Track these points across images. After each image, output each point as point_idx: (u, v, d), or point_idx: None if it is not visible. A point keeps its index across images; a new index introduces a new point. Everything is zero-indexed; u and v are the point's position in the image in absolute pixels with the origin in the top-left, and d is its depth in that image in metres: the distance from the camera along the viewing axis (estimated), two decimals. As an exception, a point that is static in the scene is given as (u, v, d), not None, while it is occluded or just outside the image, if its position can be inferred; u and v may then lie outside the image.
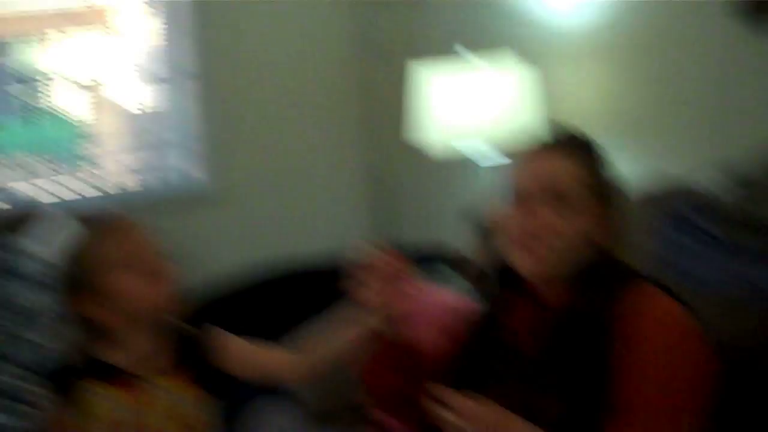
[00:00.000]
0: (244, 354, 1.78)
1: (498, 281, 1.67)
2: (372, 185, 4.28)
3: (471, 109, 2.88)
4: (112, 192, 3.66)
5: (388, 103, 4.10)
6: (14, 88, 3.77)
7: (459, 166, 3.20)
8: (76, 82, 3.81)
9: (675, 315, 1.46)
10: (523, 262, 1.54)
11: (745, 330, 1.88)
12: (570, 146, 1.56)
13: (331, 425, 2.42)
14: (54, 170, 3.72)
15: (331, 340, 1.73)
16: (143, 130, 3.87)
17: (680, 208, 2.15)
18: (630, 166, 2.77)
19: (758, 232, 1.96)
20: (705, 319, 1.81)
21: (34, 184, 3.58)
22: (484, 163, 3.00)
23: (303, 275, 3.98)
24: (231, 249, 3.90)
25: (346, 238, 4.06)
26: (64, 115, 3.86)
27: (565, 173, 1.52)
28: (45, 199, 3.42)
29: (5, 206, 3.07)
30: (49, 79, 3.77)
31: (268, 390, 2.84)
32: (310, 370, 1.78)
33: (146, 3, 3.74)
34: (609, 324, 1.45)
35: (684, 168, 2.46)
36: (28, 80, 3.77)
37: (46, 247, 2.41)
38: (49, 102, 3.82)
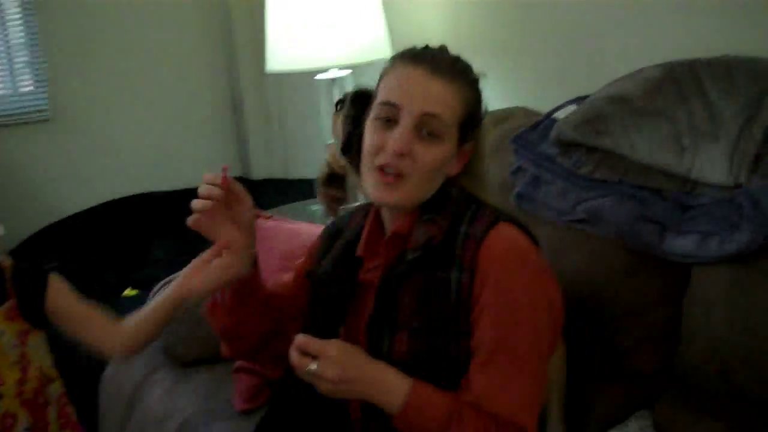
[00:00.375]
0: (70, 313, 1.75)
1: (352, 211, 1.66)
2: (231, 114, 4.26)
3: (326, 35, 2.84)
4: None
5: (245, 31, 4.05)
6: None
7: (317, 91, 3.18)
8: None
9: (528, 255, 1.46)
10: (379, 192, 1.48)
11: (589, 260, 1.95)
12: (455, 72, 1.49)
13: (198, 373, 2.38)
14: None
15: (155, 309, 1.71)
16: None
17: (532, 139, 2.17)
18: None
19: (600, 164, 1.99)
20: (554, 251, 1.89)
21: None
22: (341, 87, 2.98)
23: (155, 199, 3.96)
24: (81, 175, 3.93)
25: (206, 165, 4.05)
26: None
27: (446, 101, 1.46)
28: None
29: None
30: None
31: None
32: (127, 347, 1.77)
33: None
34: (464, 261, 1.44)
35: (538, 97, 2.51)
36: None
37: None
38: None
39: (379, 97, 1.50)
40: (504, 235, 1.46)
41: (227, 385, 2.26)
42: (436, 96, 1.45)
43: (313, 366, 1.40)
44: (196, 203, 1.52)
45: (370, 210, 1.62)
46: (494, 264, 1.42)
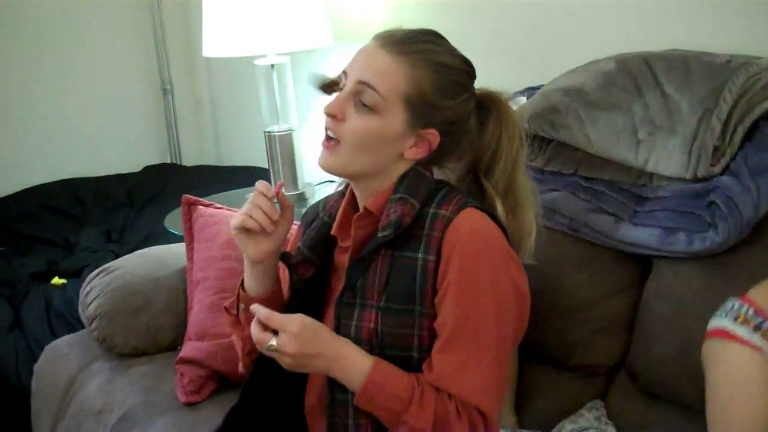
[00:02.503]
0: None
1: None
2: (161, 99, 4.19)
3: (265, 21, 2.80)
4: None
5: (175, 15, 3.98)
6: None
7: (252, 77, 3.13)
8: None
9: (494, 239, 1.46)
10: (320, 157, 1.49)
11: (543, 251, 1.96)
12: (405, 47, 1.46)
13: (137, 364, 2.32)
14: None
15: None
16: None
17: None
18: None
19: (554, 156, 2.00)
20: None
21: None
22: (280, 72, 2.95)
23: (82, 185, 3.89)
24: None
25: (134, 151, 4.03)
26: None
27: (385, 73, 1.44)
28: None
29: None
30: None
31: (68, 329, 2.75)
32: None
33: None
34: (430, 241, 1.44)
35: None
36: None
37: None
38: None
39: None
40: (471, 218, 1.45)
41: (169, 377, 2.21)
42: (375, 66, 1.44)
43: (273, 341, 1.40)
44: (249, 222, 1.50)
45: (346, 191, 1.60)
46: (459, 246, 1.42)
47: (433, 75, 1.46)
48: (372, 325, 1.45)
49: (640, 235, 1.81)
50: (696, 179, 1.76)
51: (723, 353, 1.39)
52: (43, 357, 2.54)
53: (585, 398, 1.87)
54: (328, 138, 1.47)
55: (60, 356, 2.47)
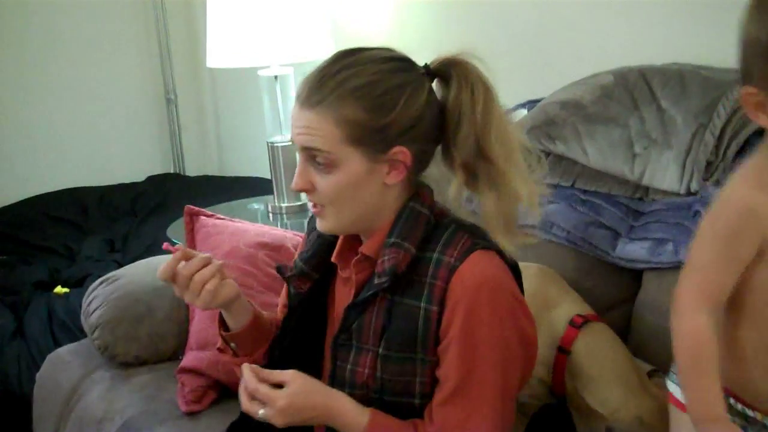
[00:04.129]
0: None
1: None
2: (165, 109, 4.22)
3: (269, 32, 2.82)
4: None
5: (180, 25, 4.01)
6: None
7: (256, 87, 3.15)
8: None
9: (502, 288, 1.40)
10: (317, 224, 1.46)
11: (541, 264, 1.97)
12: (318, 95, 1.36)
13: (138, 373, 2.33)
14: None
15: None
16: None
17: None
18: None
19: (552, 169, 2.02)
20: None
21: None
22: (284, 83, 2.97)
23: (85, 194, 3.92)
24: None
25: (138, 161, 4.06)
26: None
27: (316, 130, 1.36)
28: None
29: None
30: None
31: (70, 337, 2.77)
32: None
33: None
34: (434, 290, 1.39)
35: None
36: None
37: None
38: None
39: None
40: (479, 266, 1.38)
41: (170, 386, 2.22)
42: (306, 128, 1.37)
43: (261, 411, 1.39)
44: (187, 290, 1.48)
45: None
46: (465, 299, 1.37)
47: (357, 102, 1.36)
48: (367, 370, 1.43)
49: (635, 249, 1.83)
50: (689, 193, 1.78)
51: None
52: (45, 365, 2.55)
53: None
54: (315, 207, 1.44)
55: (62, 364, 2.48)
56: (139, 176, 4.11)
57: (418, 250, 1.41)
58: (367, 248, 1.45)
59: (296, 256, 1.59)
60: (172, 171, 4.24)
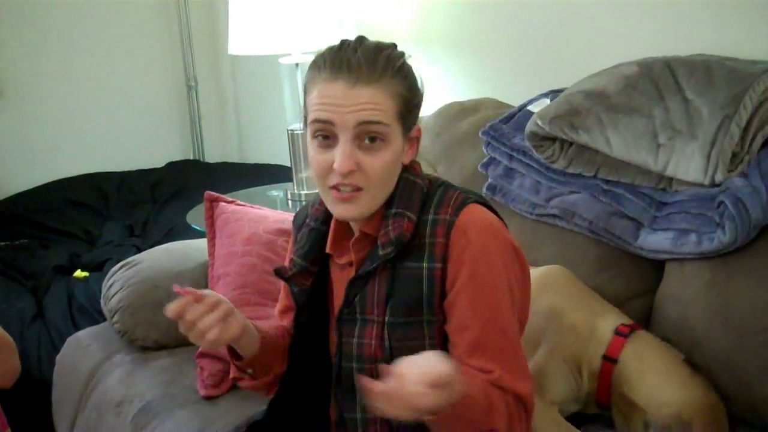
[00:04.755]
0: None
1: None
2: (185, 95, 4.23)
3: (290, 19, 2.82)
4: None
5: (201, 12, 4.01)
6: None
7: (276, 75, 3.15)
8: None
9: (501, 233, 1.45)
10: (339, 208, 1.45)
11: (562, 253, 1.97)
12: (376, 72, 1.39)
13: (158, 358, 2.34)
14: None
15: None
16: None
17: (505, 131, 2.18)
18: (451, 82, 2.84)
19: (575, 158, 2.01)
20: (527, 243, 1.90)
21: None
22: (305, 71, 2.96)
23: (106, 179, 3.93)
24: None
25: (158, 147, 4.07)
26: None
27: (378, 105, 1.39)
28: None
29: None
30: None
31: (89, 321, 2.78)
32: None
33: None
34: (434, 249, 1.42)
35: (508, 89, 2.52)
36: None
37: None
38: None
39: (310, 115, 1.44)
40: (475, 216, 1.43)
41: (189, 370, 2.23)
42: (365, 104, 1.38)
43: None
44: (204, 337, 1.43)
45: None
46: (470, 248, 1.41)
47: (403, 80, 1.43)
48: (374, 341, 1.45)
49: (658, 239, 1.82)
50: (713, 184, 1.77)
51: None
52: (65, 348, 2.57)
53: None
54: (349, 191, 1.42)
55: (82, 348, 2.50)
56: (159, 162, 4.12)
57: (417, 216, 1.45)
58: (367, 226, 1.48)
59: (291, 255, 1.59)
60: (191, 157, 4.25)
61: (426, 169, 1.58)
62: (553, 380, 1.76)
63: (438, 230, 1.43)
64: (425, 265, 1.43)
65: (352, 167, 1.39)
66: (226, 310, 1.42)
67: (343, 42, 1.44)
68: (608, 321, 1.79)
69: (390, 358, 1.42)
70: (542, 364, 1.76)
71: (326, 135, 1.41)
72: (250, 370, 1.58)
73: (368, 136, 1.39)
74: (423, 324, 1.44)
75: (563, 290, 1.84)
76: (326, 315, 1.58)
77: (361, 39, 1.45)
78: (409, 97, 1.44)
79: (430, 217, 1.45)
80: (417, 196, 1.47)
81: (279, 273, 1.57)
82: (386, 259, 1.43)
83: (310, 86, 1.45)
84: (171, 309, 1.41)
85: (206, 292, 1.42)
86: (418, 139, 1.49)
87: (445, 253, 1.42)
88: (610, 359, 1.74)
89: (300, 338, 1.58)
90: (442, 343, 1.44)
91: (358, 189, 1.41)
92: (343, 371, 1.50)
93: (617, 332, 1.76)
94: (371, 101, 1.39)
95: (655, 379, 1.69)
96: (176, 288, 1.42)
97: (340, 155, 1.39)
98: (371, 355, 1.45)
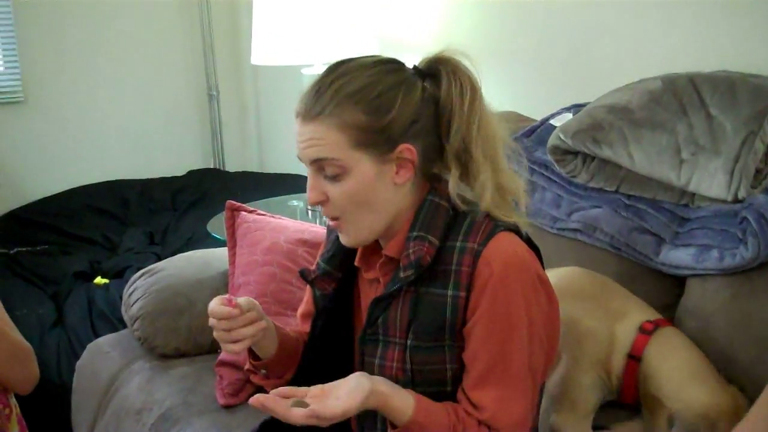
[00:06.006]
0: None
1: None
2: (207, 104, 4.25)
3: (313, 30, 2.84)
4: None
5: (223, 21, 4.03)
6: None
7: (300, 85, 3.16)
8: None
9: (527, 266, 1.42)
10: (341, 237, 1.48)
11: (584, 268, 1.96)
12: (319, 106, 1.38)
13: (177, 366, 2.35)
14: None
15: None
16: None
17: (527, 145, 2.18)
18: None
19: (597, 173, 2.01)
20: (548, 257, 1.89)
21: None
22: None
23: (127, 187, 3.95)
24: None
25: (179, 155, 4.10)
26: None
27: (322, 140, 1.38)
28: None
29: None
30: None
31: (109, 328, 2.80)
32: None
33: None
34: (460, 277, 1.40)
35: (530, 103, 2.52)
36: None
37: None
38: None
39: None
40: (503, 246, 1.40)
41: (208, 379, 2.24)
42: (311, 140, 1.39)
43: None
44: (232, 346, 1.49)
45: None
46: (492, 279, 1.38)
47: (356, 107, 1.38)
48: (396, 364, 1.44)
49: (679, 256, 1.82)
50: (736, 201, 1.77)
51: None
52: (86, 355, 2.58)
53: (623, 417, 1.87)
54: (332, 221, 1.46)
55: (102, 354, 2.51)
56: (180, 171, 4.15)
57: (441, 241, 1.42)
58: (390, 250, 1.47)
59: (318, 258, 1.60)
60: (212, 166, 4.28)
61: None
62: (584, 390, 1.76)
63: (465, 259, 1.40)
64: (450, 292, 1.41)
65: (319, 198, 1.43)
66: (257, 330, 1.47)
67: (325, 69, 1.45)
68: (631, 320, 1.78)
69: (411, 381, 1.43)
70: (569, 376, 1.76)
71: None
72: (263, 371, 1.61)
73: (325, 172, 1.41)
74: (445, 349, 1.43)
75: (578, 295, 1.83)
76: (348, 327, 1.58)
77: (333, 67, 1.44)
78: (368, 122, 1.38)
79: (458, 244, 1.42)
80: (441, 220, 1.44)
81: (303, 274, 1.57)
82: (408, 282, 1.42)
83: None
84: (217, 311, 1.46)
85: (244, 302, 1.47)
86: (411, 159, 1.42)
87: (470, 283, 1.40)
88: (634, 357, 1.75)
89: (315, 343, 1.58)
90: (461, 374, 1.44)
91: (335, 218, 1.44)
92: None
93: (641, 330, 1.76)
94: (313, 137, 1.39)
95: (681, 376, 1.69)
96: (227, 300, 1.47)
97: (307, 188, 1.44)
98: (392, 376, 1.44)
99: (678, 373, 1.70)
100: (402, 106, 1.40)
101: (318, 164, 1.40)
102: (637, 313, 1.80)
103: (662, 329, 1.76)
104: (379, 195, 1.42)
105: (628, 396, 1.77)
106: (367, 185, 1.40)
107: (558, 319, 1.49)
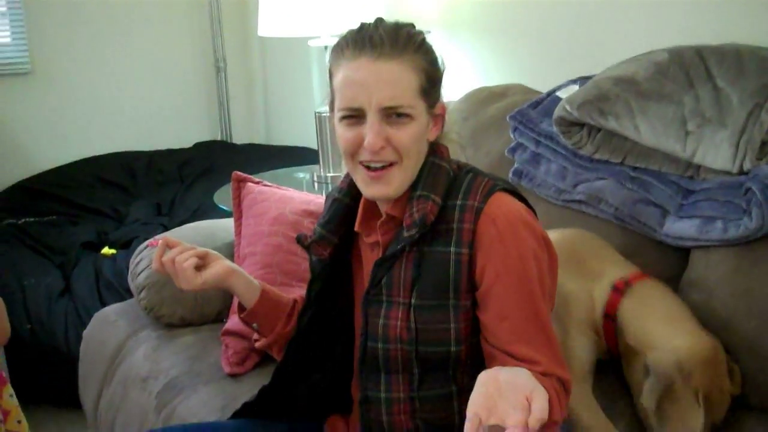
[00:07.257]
0: None
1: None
2: (214, 77, 4.24)
3: (319, 3, 2.83)
4: None
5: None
6: None
7: (305, 57, 3.16)
8: None
9: (532, 223, 1.45)
10: (371, 188, 1.46)
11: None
12: (398, 47, 1.41)
13: (183, 335, 2.36)
14: None
15: None
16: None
17: (533, 117, 2.18)
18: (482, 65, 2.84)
19: (602, 145, 2.01)
20: (552, 228, 1.90)
21: None
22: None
23: (134, 158, 3.96)
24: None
25: (187, 127, 4.09)
26: None
27: (401, 84, 1.40)
28: None
29: None
30: None
31: (116, 297, 2.81)
32: None
33: None
34: (462, 234, 1.42)
35: (536, 75, 2.51)
36: None
37: None
38: None
39: (337, 100, 1.46)
40: (504, 205, 1.43)
41: (214, 348, 2.25)
42: (388, 81, 1.40)
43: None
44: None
45: None
46: (499, 237, 1.41)
47: (425, 55, 1.44)
48: (400, 323, 1.45)
49: (683, 227, 1.82)
50: (742, 172, 1.76)
51: None
52: (92, 324, 2.59)
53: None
54: (380, 168, 1.43)
55: (108, 323, 2.53)
56: (187, 143, 4.15)
57: (443, 200, 1.45)
58: (392, 209, 1.48)
59: (316, 229, 1.59)
60: (219, 138, 4.28)
61: (455, 152, 1.58)
62: (577, 351, 1.78)
63: (466, 216, 1.43)
64: (452, 249, 1.43)
65: (383, 144, 1.41)
66: (197, 252, 1.56)
67: (363, 23, 1.45)
68: (606, 279, 1.80)
69: (415, 340, 1.44)
70: (560, 338, 1.76)
71: (353, 116, 1.42)
72: (254, 325, 1.64)
73: (394, 113, 1.41)
74: (449, 307, 1.44)
75: (563, 258, 1.83)
76: (346, 291, 1.59)
77: (380, 19, 1.46)
78: (432, 71, 1.45)
79: (458, 202, 1.45)
80: (442, 179, 1.47)
81: (299, 239, 1.59)
82: (411, 242, 1.44)
83: (334, 69, 1.46)
84: (153, 266, 1.54)
85: (178, 241, 1.58)
86: (442, 116, 1.50)
87: (472, 240, 1.42)
88: (609, 317, 1.78)
89: (311, 307, 1.59)
90: (467, 327, 1.45)
91: (390, 164, 1.43)
92: (368, 351, 1.50)
93: (614, 288, 1.79)
94: (394, 78, 1.40)
95: (654, 325, 1.71)
96: (150, 242, 1.52)
97: (369, 133, 1.41)
98: (396, 336, 1.45)
99: (652, 320, 1.72)
100: (442, 64, 1.48)
101: (387, 110, 1.41)
102: (612, 271, 1.82)
103: (637, 285, 1.78)
104: (423, 146, 1.47)
105: (613, 351, 1.80)
106: (423, 132, 1.45)
107: (557, 276, 1.52)
